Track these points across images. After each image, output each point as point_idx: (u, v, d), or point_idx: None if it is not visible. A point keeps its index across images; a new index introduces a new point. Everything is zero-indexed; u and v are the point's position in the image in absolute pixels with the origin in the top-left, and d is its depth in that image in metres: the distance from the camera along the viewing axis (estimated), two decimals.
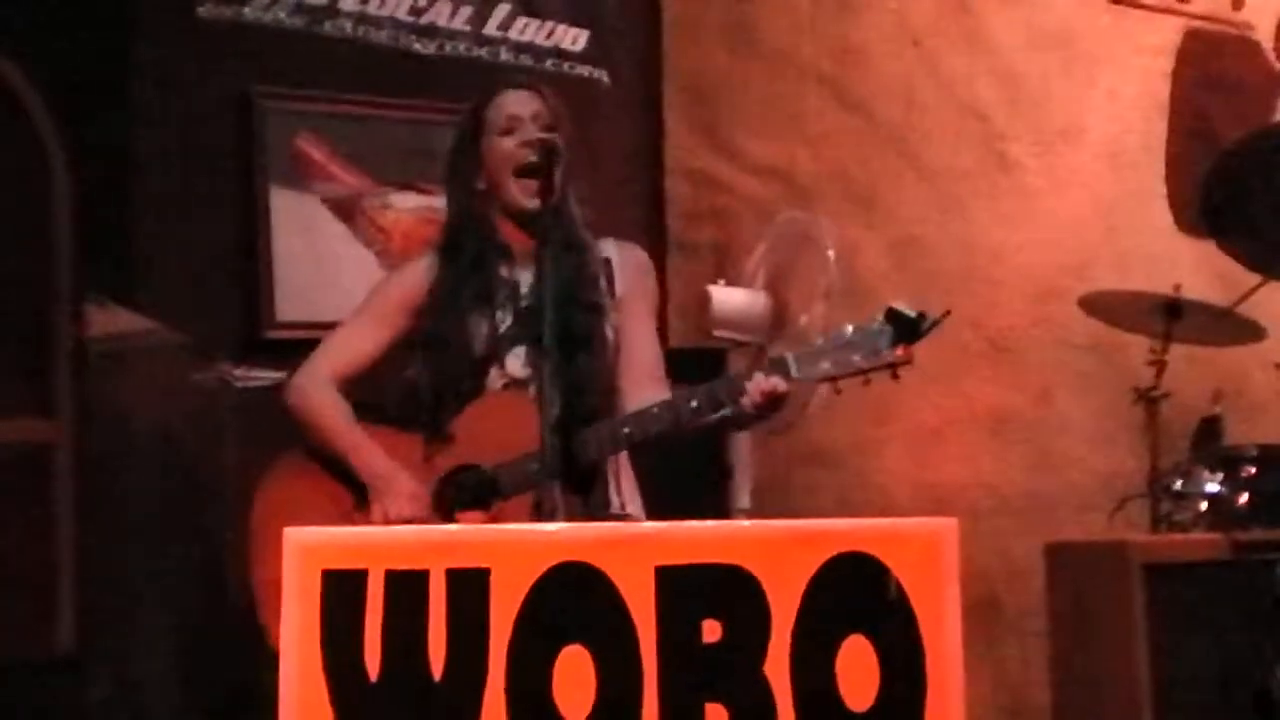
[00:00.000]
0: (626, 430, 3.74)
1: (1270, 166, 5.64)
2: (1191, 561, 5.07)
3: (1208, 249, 6.19)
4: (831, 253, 5.02)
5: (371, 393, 4.03)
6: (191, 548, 4.88)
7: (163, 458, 4.96)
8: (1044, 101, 6.43)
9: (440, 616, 2.41)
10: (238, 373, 4.65)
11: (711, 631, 2.52)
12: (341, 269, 5.20)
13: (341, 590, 2.39)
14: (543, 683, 2.44)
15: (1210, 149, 6.36)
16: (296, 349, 4.35)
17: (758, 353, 5.19)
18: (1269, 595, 5.05)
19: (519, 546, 2.49)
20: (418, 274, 4.04)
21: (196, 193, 5.08)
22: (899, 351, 3.45)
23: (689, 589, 2.51)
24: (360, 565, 2.40)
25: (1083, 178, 6.45)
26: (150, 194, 5.03)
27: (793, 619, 2.54)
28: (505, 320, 3.91)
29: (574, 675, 2.45)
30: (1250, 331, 5.64)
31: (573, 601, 2.47)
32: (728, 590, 2.53)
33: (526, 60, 5.51)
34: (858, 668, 2.57)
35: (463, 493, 3.82)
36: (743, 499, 5.07)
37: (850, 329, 3.50)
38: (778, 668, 2.53)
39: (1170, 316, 5.48)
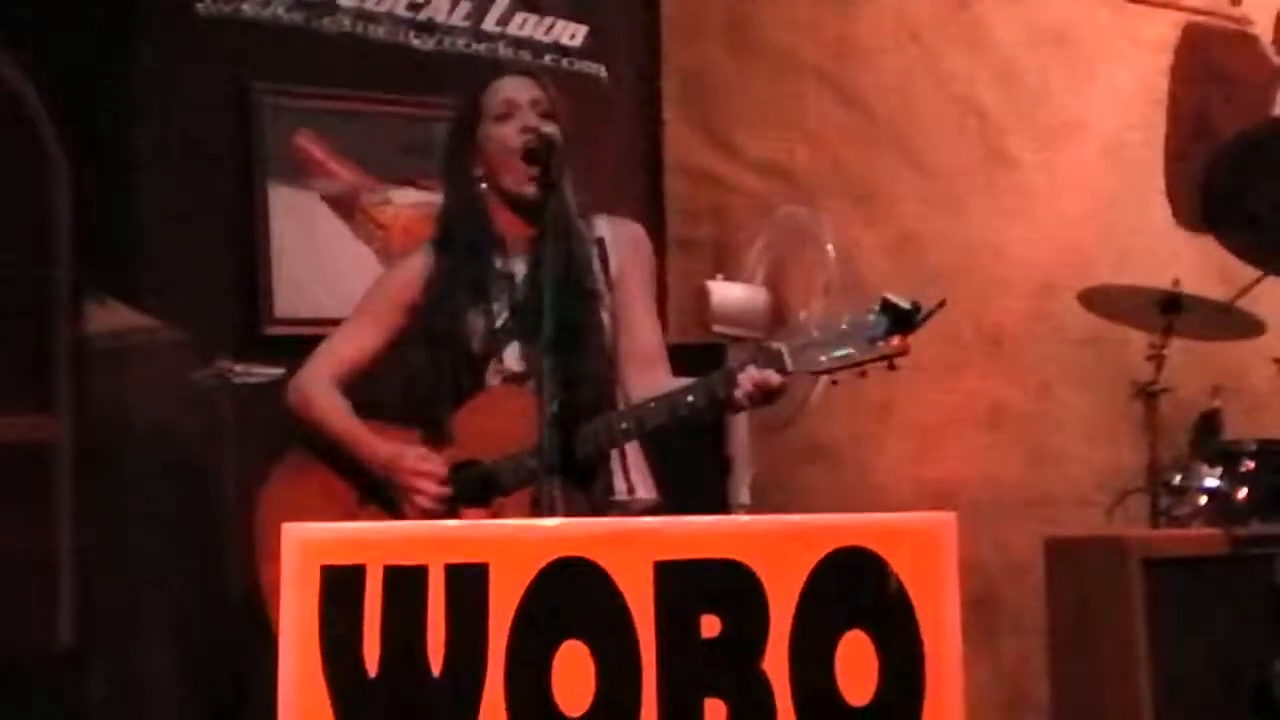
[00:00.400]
0: (624, 426, 3.73)
1: (1269, 161, 5.64)
2: (1191, 556, 5.07)
3: (1207, 244, 6.19)
4: (830, 248, 5.03)
5: (369, 390, 4.03)
6: (191, 544, 4.89)
7: (162, 454, 4.96)
8: (1043, 97, 6.43)
9: (439, 612, 2.41)
10: (237, 369, 4.65)
11: (710, 627, 2.52)
12: (341, 265, 5.20)
13: (340, 586, 2.39)
14: (542, 678, 2.44)
15: (1209, 144, 6.36)
16: (296, 345, 4.35)
17: (755, 348, 5.19)
18: (1268, 590, 5.05)
19: (517, 542, 2.49)
20: (414, 269, 4.03)
21: (195, 190, 5.08)
22: (895, 342, 3.39)
23: (688, 584, 2.51)
24: (359, 561, 2.40)
25: (1082, 173, 6.45)
26: (149, 191, 5.03)
27: (791, 614, 2.54)
28: (502, 314, 3.90)
29: (573, 671, 2.45)
30: (1250, 326, 5.64)
31: (571, 597, 2.47)
32: (727, 585, 2.53)
33: (525, 56, 5.51)
34: (857, 663, 2.57)
35: (464, 488, 3.82)
36: (742, 494, 5.07)
37: (845, 320, 3.46)
38: (777, 663, 2.53)
39: (1169, 311, 5.48)
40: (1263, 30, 6.74)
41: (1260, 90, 6.77)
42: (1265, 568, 5.08)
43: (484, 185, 3.95)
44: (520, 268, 3.92)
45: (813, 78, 6.08)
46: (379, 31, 5.36)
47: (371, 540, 2.46)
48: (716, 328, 5.17)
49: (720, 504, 4.95)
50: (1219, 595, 5.04)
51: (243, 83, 5.18)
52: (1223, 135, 6.35)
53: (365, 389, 4.03)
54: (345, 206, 5.27)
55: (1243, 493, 5.29)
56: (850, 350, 3.42)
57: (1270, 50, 6.83)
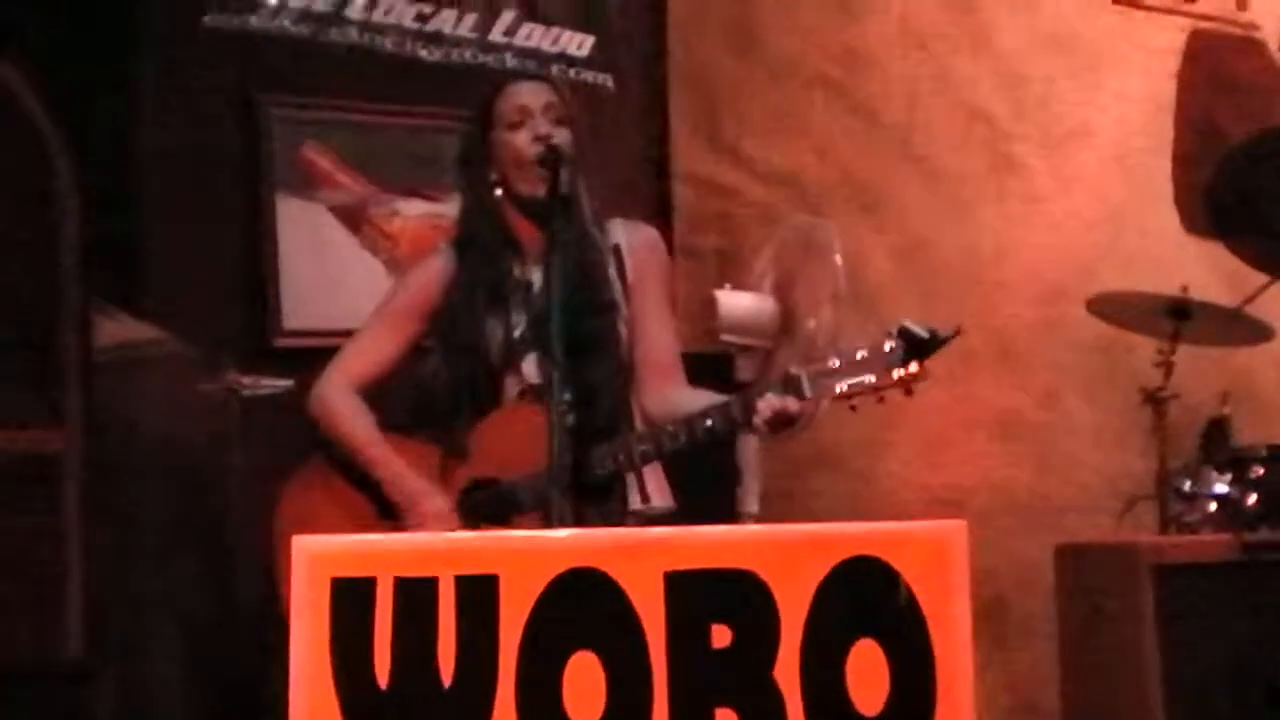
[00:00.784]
0: (643, 448, 3.74)
1: (1277, 166, 5.64)
2: (1201, 562, 5.07)
3: (1215, 249, 6.19)
4: (838, 257, 5.02)
5: (380, 396, 4.01)
6: (199, 556, 4.89)
7: (170, 466, 4.96)
8: (1049, 103, 6.43)
9: (449, 624, 2.41)
10: (245, 381, 4.64)
11: (721, 637, 2.52)
12: (348, 277, 5.20)
13: (351, 598, 2.38)
14: (552, 689, 2.44)
15: (1216, 149, 6.36)
16: (304, 357, 4.35)
17: (765, 357, 5.19)
18: (1278, 595, 5.05)
19: (528, 553, 2.49)
20: (433, 273, 4.01)
21: (203, 201, 5.08)
22: (911, 369, 3.46)
23: (698, 594, 2.51)
24: (369, 573, 2.40)
25: (1089, 179, 6.45)
26: (157, 203, 5.03)
27: (802, 623, 2.54)
28: (520, 324, 3.89)
29: (583, 682, 2.45)
30: (1258, 332, 5.64)
31: (582, 608, 2.47)
32: (737, 595, 2.53)
33: (532, 66, 5.51)
34: (868, 672, 2.57)
35: (482, 508, 3.80)
36: (751, 504, 5.07)
37: (862, 347, 3.52)
38: (788, 672, 2.53)
39: (1178, 317, 5.48)
40: (1270, 35, 6.74)
41: (1267, 96, 6.77)
42: (1276, 573, 5.08)
43: (499, 192, 3.94)
44: (538, 276, 3.89)
45: (820, 86, 6.09)
46: (386, 43, 5.37)
47: (382, 552, 2.46)
48: (724, 337, 5.17)
49: (730, 513, 4.95)
50: (1229, 601, 5.04)
51: (250, 94, 5.18)
52: (1230, 141, 6.35)
53: (384, 398, 4.01)
54: (353, 218, 5.27)
55: (1252, 498, 5.29)
56: (868, 376, 3.49)
57: (1277, 55, 6.83)
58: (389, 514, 3.88)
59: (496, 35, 5.52)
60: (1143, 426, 5.76)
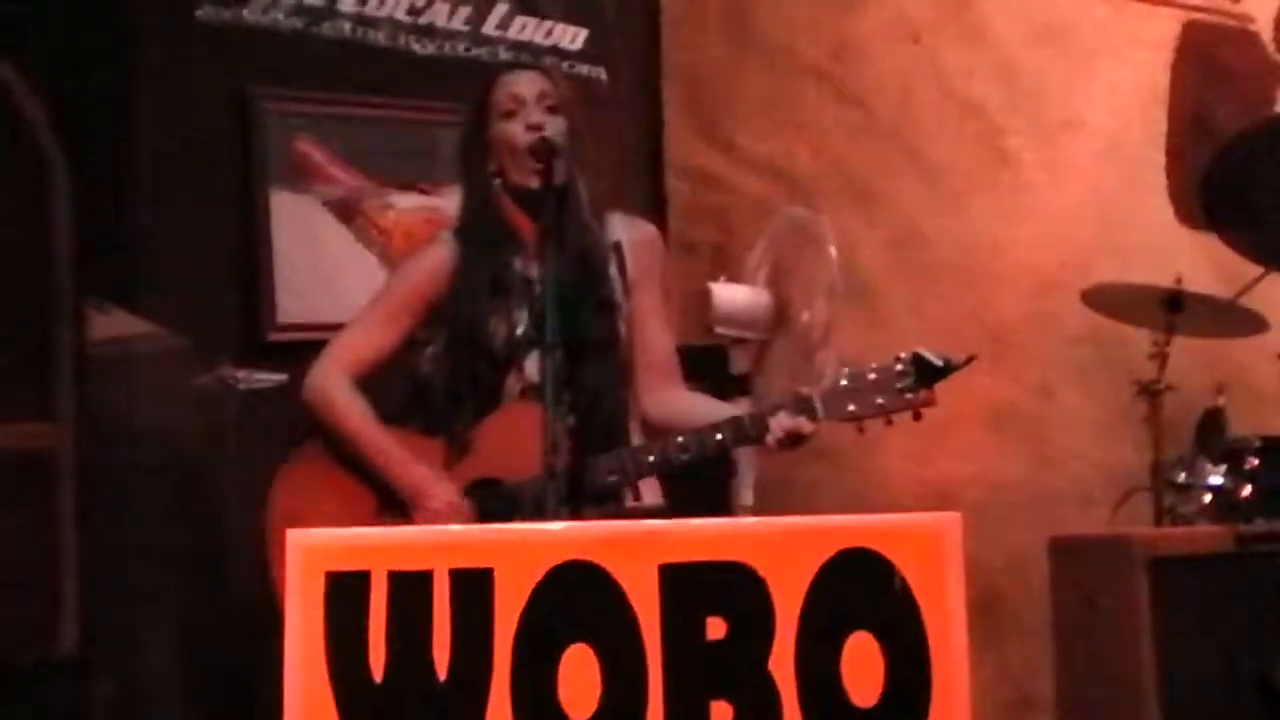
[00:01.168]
0: (651, 459, 3.74)
1: (1271, 158, 5.64)
2: (1196, 554, 5.07)
3: (1208, 241, 6.18)
4: (832, 249, 5.02)
5: (369, 387, 3.99)
6: (194, 550, 4.88)
7: (164, 461, 4.96)
8: (1043, 95, 6.43)
9: (444, 617, 2.41)
10: (239, 375, 4.63)
11: (716, 629, 2.52)
12: (342, 271, 5.19)
13: (345, 592, 2.39)
14: (547, 682, 2.44)
15: (1210, 141, 6.35)
16: (298, 351, 4.34)
17: (760, 350, 5.19)
18: (1274, 587, 5.05)
19: (522, 546, 2.49)
20: (433, 263, 3.98)
21: (196, 195, 5.08)
22: (922, 394, 3.57)
23: (693, 587, 2.51)
24: (363, 566, 2.40)
25: (1082, 171, 6.45)
26: (150, 197, 5.03)
27: (797, 616, 2.54)
28: (522, 320, 3.87)
29: (578, 674, 2.45)
30: (1252, 323, 5.63)
31: (576, 601, 2.47)
32: (732, 587, 2.53)
33: (526, 59, 5.50)
34: (863, 664, 2.57)
35: (485, 508, 3.78)
36: (746, 496, 5.07)
37: (874, 370, 3.60)
38: (782, 665, 2.53)
39: (1172, 309, 5.48)
40: (1263, 27, 6.74)
41: (1261, 88, 6.77)
42: (1271, 565, 5.07)
43: (498, 182, 3.93)
44: (538, 272, 3.85)
45: (813, 78, 6.08)
46: (379, 36, 5.36)
47: (376, 546, 2.46)
48: (718, 329, 5.17)
49: (724, 506, 4.95)
50: (1224, 593, 5.04)
51: (243, 88, 5.18)
52: (1223, 133, 6.34)
53: (373, 388, 3.99)
54: (346, 211, 5.26)
55: (1247, 490, 5.29)
56: (880, 400, 3.58)
57: (1271, 47, 6.83)
58: (388, 502, 3.85)
59: (489, 28, 5.52)
60: (1137, 418, 5.76)
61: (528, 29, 5.58)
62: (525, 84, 3.93)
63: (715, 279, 5.31)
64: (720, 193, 5.91)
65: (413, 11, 5.41)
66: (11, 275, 4.89)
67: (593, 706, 2.45)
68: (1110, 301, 5.71)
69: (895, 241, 6.12)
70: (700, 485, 4.21)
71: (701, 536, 2.57)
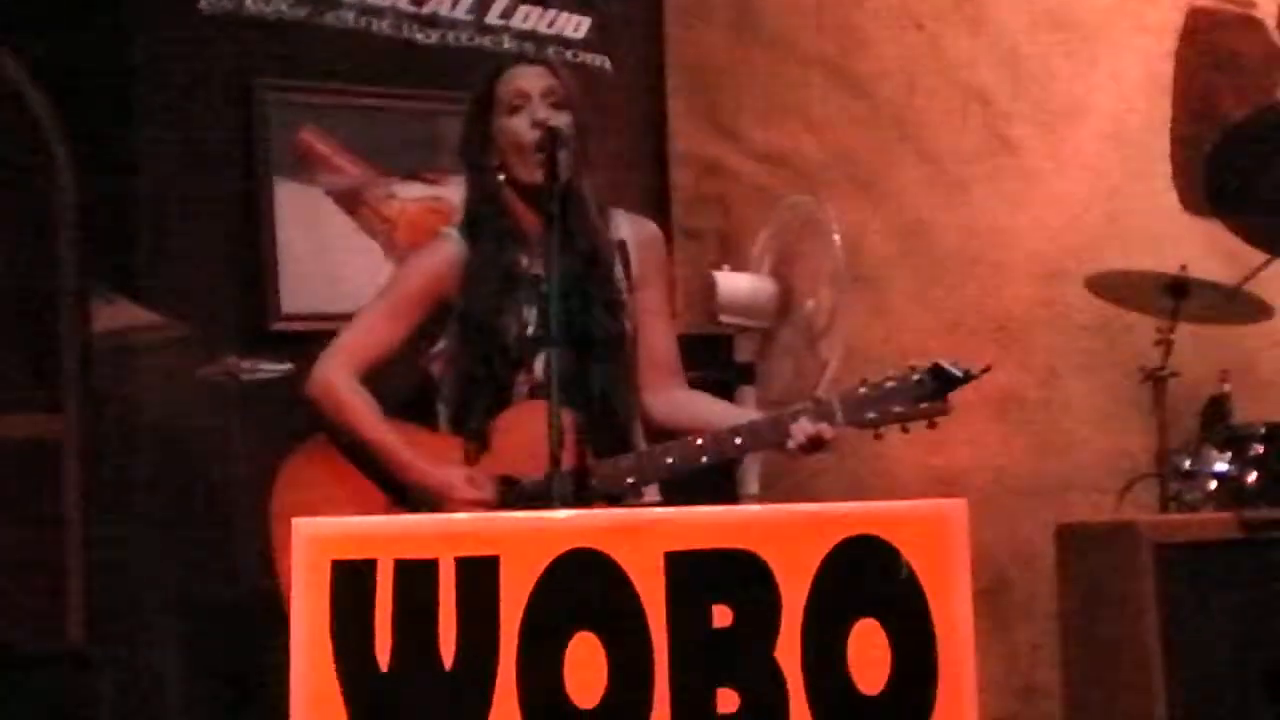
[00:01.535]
0: (670, 460, 3.74)
1: (1276, 144, 5.63)
2: (1201, 541, 5.06)
3: (1213, 228, 6.18)
4: (836, 237, 5.02)
5: (371, 382, 3.98)
6: (199, 540, 4.88)
7: (169, 451, 4.96)
8: (1047, 82, 6.41)
9: (450, 605, 2.41)
10: (244, 365, 4.64)
11: (722, 617, 2.52)
12: (346, 261, 5.20)
13: (351, 580, 2.39)
14: (553, 670, 2.44)
15: (1215, 128, 6.34)
16: (302, 341, 4.34)
17: (764, 338, 5.19)
18: (1278, 573, 5.04)
19: (528, 534, 2.49)
20: (440, 258, 3.95)
21: (200, 186, 5.08)
22: (939, 403, 3.65)
23: (699, 574, 2.51)
24: (369, 555, 2.40)
25: (1086, 158, 6.43)
26: (154, 188, 5.03)
27: (803, 603, 2.55)
28: (531, 319, 3.84)
29: (585, 662, 2.45)
30: (1258, 310, 5.63)
31: (582, 589, 2.47)
32: (738, 575, 2.53)
33: (529, 48, 5.50)
34: (869, 651, 2.57)
35: (504, 506, 3.72)
36: (751, 484, 5.07)
37: (892, 378, 3.67)
38: (789, 652, 2.53)
39: (1177, 296, 5.47)
40: (1267, 13, 6.72)
41: (1265, 73, 6.75)
42: (1276, 551, 5.07)
43: (501, 178, 3.91)
44: (544, 268, 3.73)
45: (816, 66, 6.07)
46: (383, 26, 5.36)
47: (382, 534, 2.46)
48: (723, 318, 5.17)
49: (729, 495, 4.95)
50: (1230, 579, 5.03)
51: (246, 79, 5.18)
52: (1228, 119, 6.33)
53: (384, 385, 3.98)
54: (350, 201, 5.26)
55: (1252, 476, 5.28)
56: (897, 408, 3.66)
57: (1275, 33, 6.81)
58: (402, 507, 3.81)
59: (493, 18, 5.52)
60: (1142, 405, 5.75)
61: (531, 18, 5.57)
62: (531, 79, 3.90)
63: (719, 267, 5.31)
64: (724, 181, 5.90)
65: (416, 1, 5.41)
66: (16, 266, 4.90)
67: (599, 695, 2.45)
68: (1115, 288, 5.70)
69: (899, 229, 6.11)
70: (705, 474, 4.21)
71: (707, 524, 2.57)
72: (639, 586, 2.48)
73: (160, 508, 4.91)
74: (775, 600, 2.54)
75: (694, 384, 4.14)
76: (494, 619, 2.42)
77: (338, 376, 3.87)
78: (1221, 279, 5.63)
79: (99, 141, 4.94)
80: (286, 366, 4.52)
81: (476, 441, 3.81)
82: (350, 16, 5.31)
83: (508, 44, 5.51)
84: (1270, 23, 6.74)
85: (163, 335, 4.98)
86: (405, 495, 3.81)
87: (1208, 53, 6.64)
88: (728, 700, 2.51)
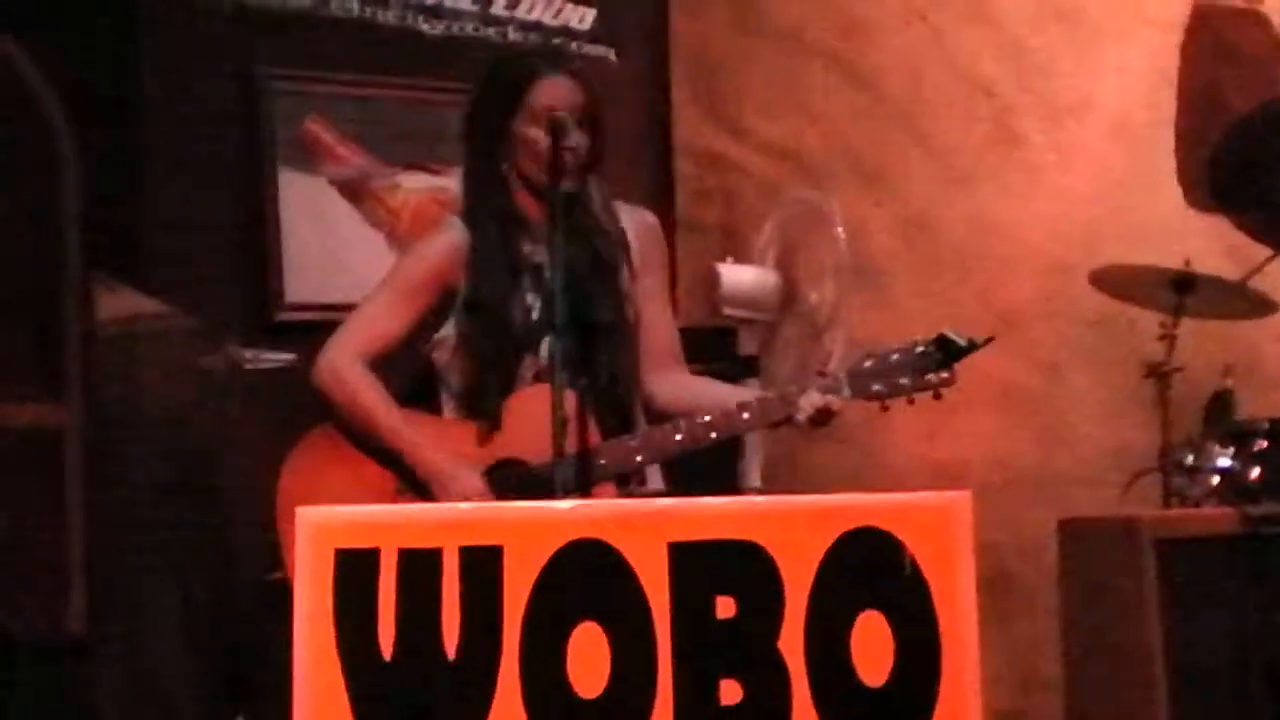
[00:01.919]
0: (678, 437, 3.76)
1: None
2: (1203, 536, 5.06)
3: (1218, 223, 6.18)
4: (840, 230, 5.02)
5: (377, 369, 3.98)
6: (201, 530, 4.89)
7: (172, 441, 4.96)
8: (1051, 76, 6.41)
9: (454, 595, 2.41)
10: (247, 355, 4.63)
11: (725, 608, 2.52)
12: (351, 251, 5.20)
13: (355, 569, 2.39)
14: (557, 660, 2.44)
15: (1219, 122, 6.34)
16: (306, 331, 4.34)
17: (768, 331, 5.19)
18: None
19: (532, 524, 2.49)
20: (444, 247, 3.96)
21: (204, 176, 5.08)
22: (944, 374, 3.67)
23: (703, 565, 2.52)
24: (373, 544, 2.40)
25: (1091, 152, 6.43)
26: (158, 177, 5.03)
27: (807, 594, 2.55)
28: (535, 305, 3.86)
29: (588, 652, 2.45)
30: (1261, 305, 5.62)
31: (586, 579, 2.47)
32: (741, 566, 2.54)
33: (534, 40, 5.50)
34: (872, 643, 2.58)
35: (509, 489, 3.76)
36: (753, 476, 5.07)
37: (897, 351, 3.69)
38: (792, 643, 2.54)
39: (1180, 291, 5.46)
40: (1273, 8, 6.71)
41: (1270, 69, 6.74)
42: (1278, 546, 5.06)
43: (513, 175, 3.91)
44: (546, 256, 3.77)
45: (821, 58, 6.07)
46: (387, 16, 5.36)
47: (386, 523, 2.46)
48: (726, 310, 5.17)
49: (732, 487, 4.95)
50: (1232, 575, 5.03)
51: (251, 69, 5.18)
52: (1233, 114, 6.33)
53: (389, 372, 3.98)
54: (355, 192, 5.26)
55: (1255, 472, 5.28)
56: (904, 380, 3.68)
57: None
58: (409, 492, 3.84)
59: (498, 8, 5.51)
60: (1145, 400, 5.74)
61: (536, 9, 5.57)
62: (558, 95, 3.84)
63: (723, 260, 5.30)
64: (728, 174, 5.90)
65: None
66: (20, 254, 4.90)
67: (602, 685, 2.45)
68: (1119, 283, 5.70)
69: (903, 222, 6.11)
70: (707, 466, 4.21)
71: (711, 515, 2.57)
72: (642, 577, 2.48)
73: (163, 497, 4.91)
74: (779, 592, 2.54)
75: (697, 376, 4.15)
76: (497, 609, 2.42)
77: (345, 363, 3.88)
78: (1226, 274, 5.63)
79: (104, 131, 4.94)
80: (290, 356, 4.52)
81: (488, 422, 3.82)
82: (355, 6, 5.31)
83: (513, 35, 5.51)
84: (1275, 18, 6.73)
85: (166, 325, 4.98)
86: (415, 482, 3.83)
87: (1213, 47, 6.63)
88: (731, 691, 2.51)
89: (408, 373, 4.05)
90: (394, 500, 3.82)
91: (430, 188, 5.28)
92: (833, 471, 5.71)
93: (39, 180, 4.95)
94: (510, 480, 3.77)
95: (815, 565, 2.56)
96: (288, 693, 2.37)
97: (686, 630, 2.49)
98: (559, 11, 5.61)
